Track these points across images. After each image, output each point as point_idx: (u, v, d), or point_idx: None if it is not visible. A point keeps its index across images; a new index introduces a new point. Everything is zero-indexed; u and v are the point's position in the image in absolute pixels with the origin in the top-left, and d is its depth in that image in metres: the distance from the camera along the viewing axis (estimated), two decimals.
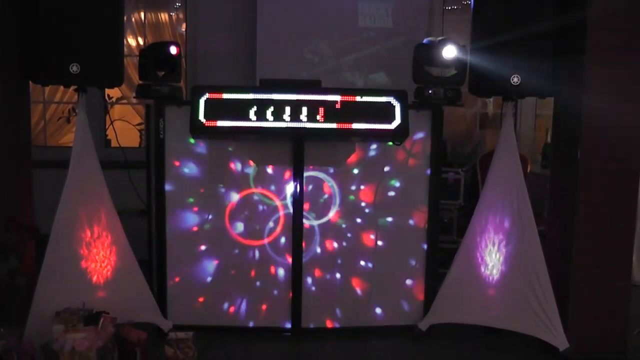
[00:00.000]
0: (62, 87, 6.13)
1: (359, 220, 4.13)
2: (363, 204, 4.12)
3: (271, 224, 4.08)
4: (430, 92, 4.00)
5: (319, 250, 4.12)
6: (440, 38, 4.03)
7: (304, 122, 3.78)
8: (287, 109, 3.77)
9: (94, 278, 3.80)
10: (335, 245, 4.13)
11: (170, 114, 3.95)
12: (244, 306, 4.11)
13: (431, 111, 4.07)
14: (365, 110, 3.81)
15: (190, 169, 4.03)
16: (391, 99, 3.84)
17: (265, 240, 4.09)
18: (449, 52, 3.94)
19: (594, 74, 3.67)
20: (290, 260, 4.07)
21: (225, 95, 3.78)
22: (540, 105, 6.10)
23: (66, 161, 3.75)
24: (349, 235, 4.13)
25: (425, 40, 4.15)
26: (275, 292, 4.11)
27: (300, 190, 3.99)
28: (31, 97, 4.30)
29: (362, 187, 4.11)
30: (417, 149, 4.10)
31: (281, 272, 4.10)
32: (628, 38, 3.68)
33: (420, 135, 4.09)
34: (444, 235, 5.04)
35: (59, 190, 3.71)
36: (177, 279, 4.06)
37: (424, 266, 4.17)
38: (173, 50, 3.91)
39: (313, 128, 3.79)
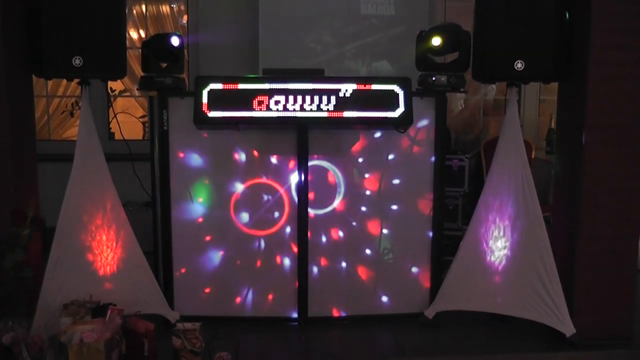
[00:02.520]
0: (64, 81, 6.14)
1: (364, 208, 4.13)
2: (368, 192, 4.12)
3: (276, 214, 4.08)
4: (433, 79, 3.98)
5: (324, 239, 4.12)
6: (430, 28, 4.00)
7: (308, 111, 3.78)
8: (291, 98, 3.76)
9: (101, 270, 3.82)
10: (341, 234, 4.13)
11: (173, 105, 3.94)
12: (250, 296, 4.12)
13: (435, 98, 4.05)
14: (368, 99, 3.80)
15: (194, 160, 4.03)
16: (394, 87, 3.83)
17: (271, 230, 4.09)
18: (435, 42, 3.92)
19: (599, 57, 3.65)
20: (295, 249, 4.07)
21: (229, 86, 3.78)
22: (544, 90, 6.07)
23: (70, 155, 3.75)
24: (354, 223, 4.13)
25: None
26: (281, 281, 4.12)
27: (304, 180, 3.99)
28: (34, 92, 4.29)
29: (366, 175, 4.11)
30: (421, 136, 4.09)
31: (287, 261, 4.11)
32: (634, 21, 3.65)
33: (424, 122, 4.07)
34: (449, 222, 5.03)
35: (63, 183, 3.72)
36: (183, 270, 4.07)
37: (430, 254, 4.17)
38: (175, 41, 3.90)
39: (317, 117, 3.78)
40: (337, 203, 4.11)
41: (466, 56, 3.95)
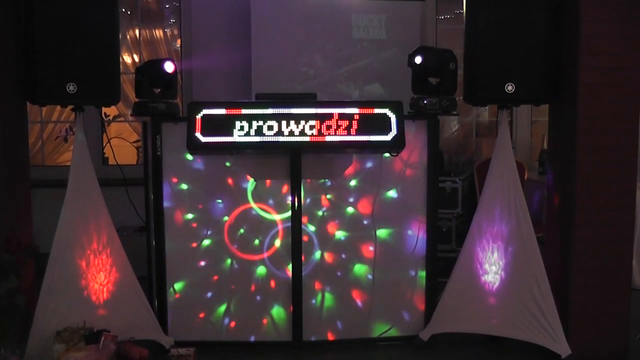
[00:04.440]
0: (59, 107, 6.15)
1: (357, 232, 4.13)
2: (361, 216, 4.12)
3: (270, 238, 4.08)
4: (425, 102, 4.02)
5: (318, 263, 4.11)
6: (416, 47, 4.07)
7: (301, 135, 3.79)
8: (284, 123, 3.79)
9: (94, 296, 3.80)
10: (335, 257, 4.13)
11: (167, 130, 3.96)
12: (245, 321, 4.11)
13: (427, 121, 4.08)
14: (361, 122, 3.83)
15: (188, 185, 4.03)
16: (386, 111, 3.86)
17: (265, 255, 4.09)
18: (417, 60, 3.99)
19: (588, 78, 3.69)
20: (290, 273, 4.07)
21: (222, 111, 3.80)
22: (536, 111, 6.12)
23: (64, 180, 3.76)
24: (348, 247, 4.13)
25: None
26: (276, 306, 4.11)
27: (298, 204, 4.00)
28: (29, 117, 4.31)
29: (360, 198, 4.12)
30: (414, 159, 4.10)
31: (281, 285, 4.10)
32: (621, 44, 3.70)
33: (416, 145, 4.09)
34: (443, 244, 5.04)
35: (57, 209, 3.72)
36: (177, 295, 4.06)
37: (424, 276, 4.17)
38: (169, 67, 3.93)
39: (310, 141, 3.80)
40: (330, 226, 4.11)
41: (450, 79, 3.98)
